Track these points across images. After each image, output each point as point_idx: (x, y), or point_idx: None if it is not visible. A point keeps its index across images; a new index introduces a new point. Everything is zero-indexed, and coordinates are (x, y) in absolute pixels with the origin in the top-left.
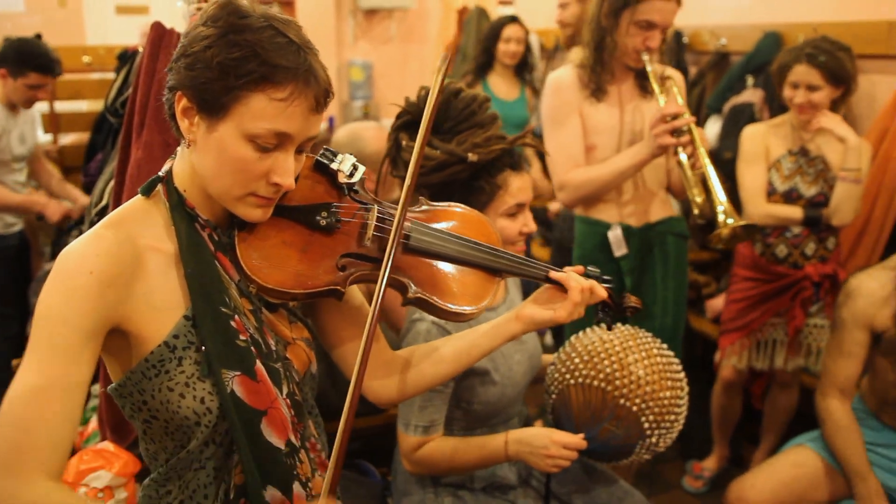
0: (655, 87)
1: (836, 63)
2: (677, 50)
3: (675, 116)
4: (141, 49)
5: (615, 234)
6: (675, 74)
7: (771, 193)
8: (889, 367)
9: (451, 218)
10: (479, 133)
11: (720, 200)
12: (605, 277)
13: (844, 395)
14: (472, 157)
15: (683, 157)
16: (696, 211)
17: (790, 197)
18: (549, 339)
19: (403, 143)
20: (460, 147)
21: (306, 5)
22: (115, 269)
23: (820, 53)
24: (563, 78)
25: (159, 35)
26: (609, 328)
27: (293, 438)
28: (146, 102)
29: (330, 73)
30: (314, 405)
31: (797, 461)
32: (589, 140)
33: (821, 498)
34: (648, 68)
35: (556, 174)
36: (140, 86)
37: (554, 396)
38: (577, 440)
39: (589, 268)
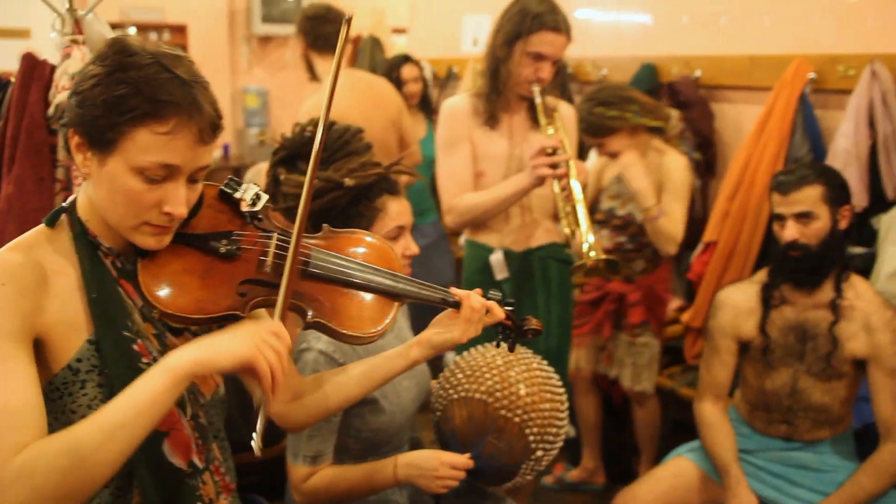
0: (542, 118)
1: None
2: (563, 79)
3: (555, 150)
4: (13, 79)
5: (497, 258)
6: (565, 109)
7: (595, 212)
8: (755, 375)
9: (353, 244)
10: (354, 160)
11: (587, 235)
12: (508, 301)
13: (718, 399)
14: (348, 181)
15: (558, 188)
16: (564, 241)
17: (610, 215)
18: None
19: (282, 177)
20: (337, 174)
21: (198, 31)
22: (25, 282)
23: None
24: (457, 105)
25: (31, 66)
26: (511, 350)
27: (196, 460)
28: (17, 136)
29: (224, 99)
30: (221, 429)
31: (676, 471)
32: (478, 167)
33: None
34: (537, 100)
35: (445, 198)
36: (10, 119)
37: (438, 413)
38: (464, 459)
39: (491, 292)
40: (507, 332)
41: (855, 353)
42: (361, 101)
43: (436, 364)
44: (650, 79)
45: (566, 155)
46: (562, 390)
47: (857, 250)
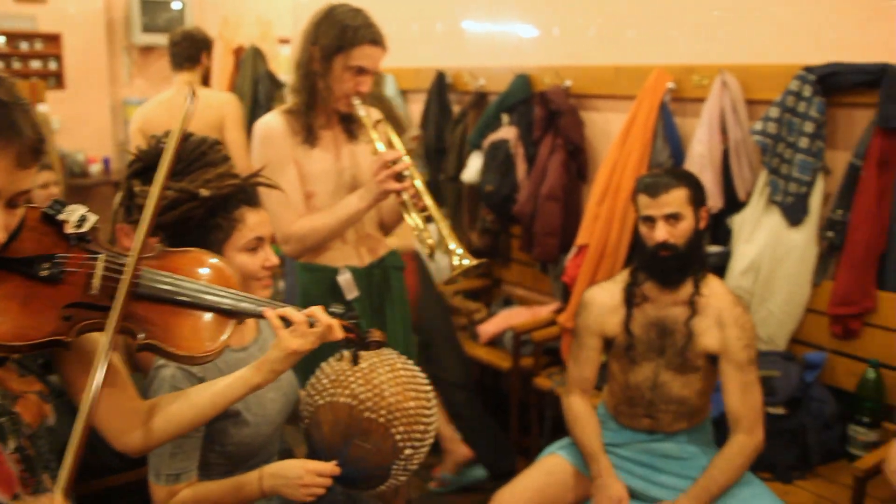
0: (372, 131)
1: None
2: (441, 89)
3: (395, 161)
4: None
5: (345, 278)
6: (377, 114)
7: None
8: (620, 370)
9: (187, 262)
10: (210, 171)
11: (453, 242)
12: (351, 314)
13: (584, 393)
14: (203, 192)
15: (407, 199)
16: (427, 252)
17: None
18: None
19: (136, 189)
20: (192, 185)
21: (75, 41)
22: None
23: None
24: (271, 125)
25: None
26: (355, 363)
27: (22, 493)
28: None
29: (104, 111)
30: (52, 459)
31: (549, 469)
32: (307, 188)
33: (570, 500)
34: (361, 112)
35: (281, 227)
36: None
37: (306, 420)
38: (331, 466)
39: (332, 307)
40: (352, 346)
41: (707, 348)
42: (175, 116)
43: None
44: (524, 88)
45: (407, 164)
46: (428, 388)
47: (714, 249)
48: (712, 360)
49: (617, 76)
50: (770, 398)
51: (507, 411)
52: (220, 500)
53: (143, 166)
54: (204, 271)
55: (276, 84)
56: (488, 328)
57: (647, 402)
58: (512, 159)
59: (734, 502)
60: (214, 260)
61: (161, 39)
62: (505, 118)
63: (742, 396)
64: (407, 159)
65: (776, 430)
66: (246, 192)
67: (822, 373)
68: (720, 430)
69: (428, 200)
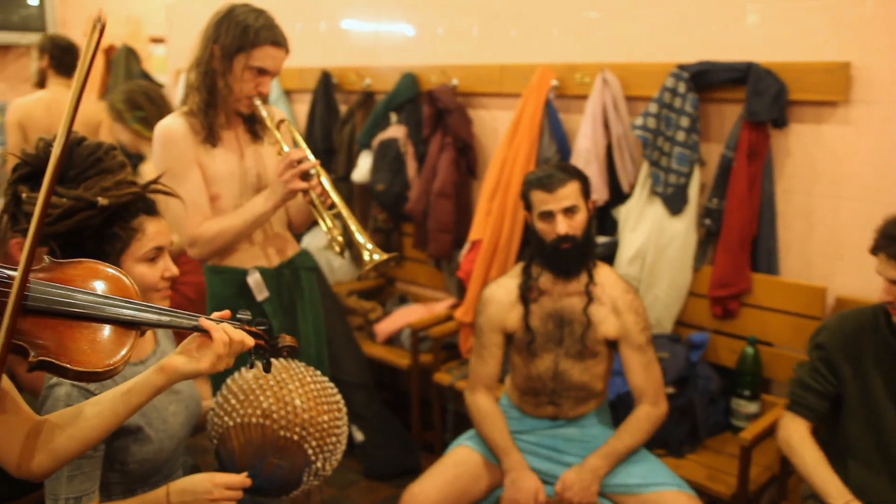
0: (275, 131)
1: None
2: (327, 89)
3: (301, 160)
4: None
5: (255, 279)
6: (280, 113)
7: None
8: (522, 362)
9: (80, 273)
10: (108, 178)
11: (361, 238)
12: (259, 320)
13: (488, 389)
14: (101, 200)
15: (315, 198)
16: (337, 249)
17: None
18: None
19: (24, 195)
20: (88, 192)
21: None
22: None
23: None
24: (172, 127)
25: None
26: (266, 370)
27: None
28: None
29: None
30: None
31: (458, 460)
32: (212, 190)
33: (481, 489)
34: (263, 113)
35: (185, 230)
36: None
37: (215, 442)
38: (241, 479)
39: (239, 313)
40: (262, 353)
41: (606, 334)
42: (54, 115)
43: None
44: (411, 87)
45: (313, 162)
46: (338, 398)
47: (602, 239)
48: (610, 345)
49: (502, 75)
50: None
51: (409, 408)
52: None
53: (32, 171)
54: (100, 282)
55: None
56: (385, 327)
57: (550, 391)
58: (402, 158)
59: (633, 478)
60: (111, 270)
61: (18, 38)
62: (393, 117)
63: (645, 374)
64: (312, 158)
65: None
66: (145, 201)
67: (705, 352)
68: (617, 413)
69: (336, 198)
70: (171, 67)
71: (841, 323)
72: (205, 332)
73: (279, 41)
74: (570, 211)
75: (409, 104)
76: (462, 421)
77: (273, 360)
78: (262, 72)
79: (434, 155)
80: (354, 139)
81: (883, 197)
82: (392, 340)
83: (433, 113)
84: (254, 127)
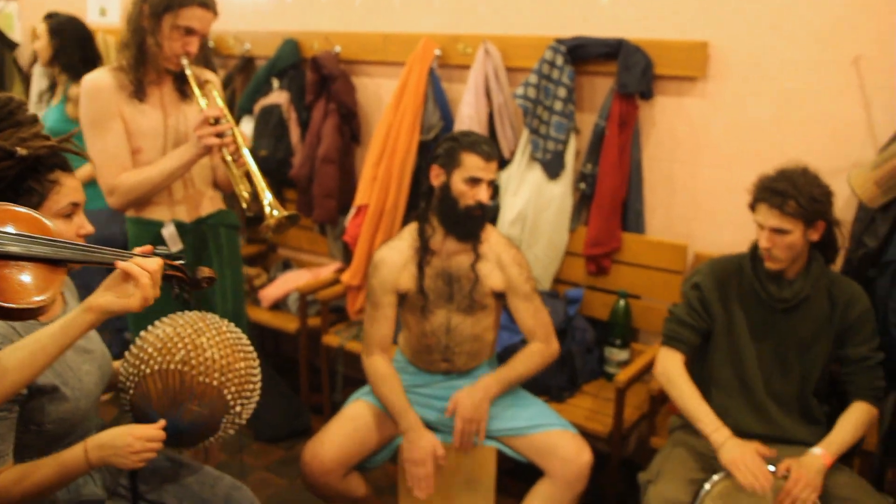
0: (196, 90)
1: None
2: (206, 53)
3: (217, 119)
4: None
5: (169, 231)
6: (213, 78)
7: None
8: (415, 321)
9: None
10: (25, 130)
11: (265, 195)
12: (175, 253)
13: (384, 351)
14: (21, 150)
15: (228, 156)
16: (244, 205)
17: None
18: None
19: None
20: (6, 142)
21: None
22: None
23: None
24: (100, 80)
25: None
26: (189, 305)
27: None
28: None
29: None
30: None
31: (355, 414)
32: (134, 143)
33: (378, 440)
34: (188, 72)
35: (104, 179)
36: None
37: (132, 392)
38: (158, 431)
39: (158, 247)
40: (184, 287)
41: (493, 287)
42: None
43: None
44: (294, 53)
45: (230, 123)
46: (251, 348)
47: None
48: (497, 297)
49: (386, 43)
50: None
51: (296, 372)
52: (43, 480)
53: None
54: (16, 222)
55: (5, 43)
56: (270, 292)
57: (444, 347)
58: (285, 124)
59: (521, 421)
60: (26, 210)
61: None
62: (276, 83)
63: (534, 319)
64: (229, 118)
65: None
66: (59, 156)
67: (581, 306)
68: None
69: (248, 157)
70: (25, 24)
71: (713, 267)
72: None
73: (206, 2)
74: (491, 183)
75: (291, 70)
76: (349, 382)
77: (194, 292)
78: (189, 32)
79: (318, 121)
80: (235, 104)
81: (735, 165)
82: (278, 306)
83: (317, 79)
84: (183, 87)
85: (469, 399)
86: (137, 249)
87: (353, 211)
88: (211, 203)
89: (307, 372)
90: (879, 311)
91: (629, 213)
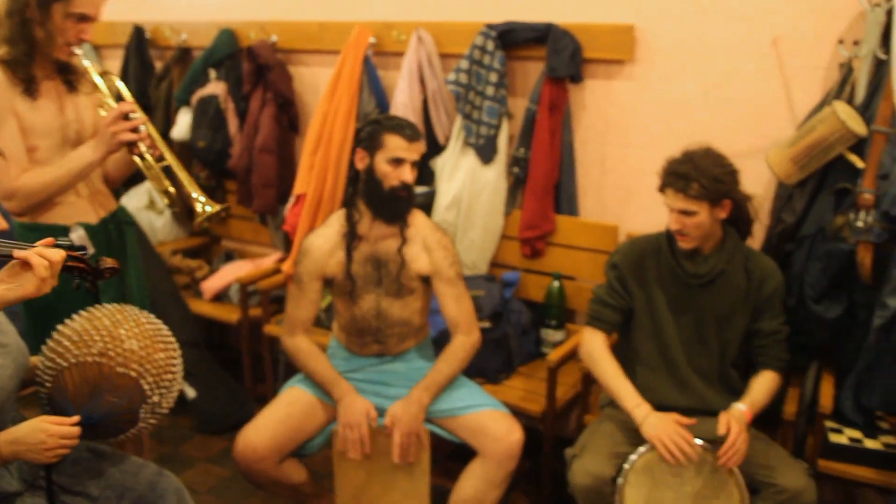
0: (99, 80)
1: None
2: (140, 45)
3: (130, 112)
4: None
5: (79, 236)
6: (92, 68)
7: None
8: (345, 306)
9: None
10: None
11: (194, 190)
12: (77, 245)
13: (306, 332)
14: None
15: (146, 151)
16: (166, 201)
17: None
18: None
19: None
20: None
21: None
22: None
23: None
24: None
25: None
26: (95, 296)
27: None
28: None
29: None
30: None
31: (289, 400)
32: (29, 142)
33: (314, 426)
34: (86, 63)
35: (4, 182)
36: None
37: (49, 385)
38: (74, 421)
39: (59, 238)
40: (86, 277)
41: (420, 271)
42: None
43: None
44: (230, 43)
45: (143, 117)
46: (172, 339)
47: (420, 189)
48: (425, 281)
49: (321, 31)
50: (477, 315)
51: (240, 363)
52: None
53: None
54: None
55: None
56: (212, 284)
57: (375, 330)
58: (223, 114)
59: (454, 402)
60: None
61: None
62: (212, 73)
63: (457, 305)
64: (139, 112)
65: (484, 340)
66: None
67: (517, 289)
68: (439, 348)
69: (165, 150)
70: None
71: (631, 247)
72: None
73: None
74: (415, 164)
75: (228, 60)
76: (292, 371)
77: (97, 282)
78: (83, 18)
79: (255, 111)
80: (172, 96)
81: (663, 145)
82: (220, 297)
83: (253, 69)
84: (69, 77)
85: (405, 414)
86: (39, 242)
87: (292, 200)
88: (109, 200)
89: (250, 362)
90: (796, 284)
91: (562, 196)
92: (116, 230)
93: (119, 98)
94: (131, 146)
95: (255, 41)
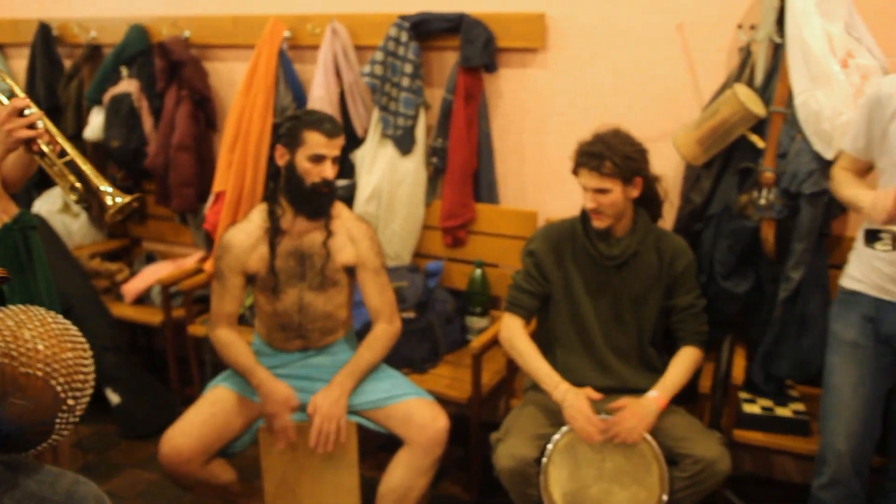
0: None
1: None
2: (47, 43)
3: (24, 108)
4: None
5: None
6: None
7: None
8: (267, 301)
9: None
10: None
11: (101, 183)
12: None
13: (230, 325)
14: None
15: (46, 148)
16: (74, 198)
17: None
18: None
19: None
20: None
21: None
22: None
23: None
24: None
25: None
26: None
27: None
28: None
29: None
30: None
31: (213, 400)
32: None
33: (239, 424)
34: None
35: None
36: None
37: None
38: None
39: None
40: None
41: (345, 262)
42: None
43: None
44: (141, 39)
45: (39, 112)
46: (83, 339)
47: (341, 182)
48: (349, 272)
49: (235, 26)
50: (401, 305)
51: (166, 365)
52: None
53: None
54: None
55: None
56: (133, 287)
57: (297, 325)
58: (137, 113)
59: (379, 394)
60: None
61: None
62: (124, 71)
63: (380, 296)
64: (34, 107)
65: (409, 330)
66: None
67: (441, 278)
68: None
69: (66, 144)
70: None
71: (547, 232)
72: None
73: None
74: (336, 160)
75: (140, 57)
76: (219, 372)
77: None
78: None
79: (170, 108)
80: (83, 95)
81: (579, 130)
82: (142, 300)
83: (166, 66)
84: None
85: (326, 398)
86: None
87: (211, 198)
88: (10, 206)
89: (176, 365)
90: (706, 262)
91: (482, 185)
92: (21, 236)
93: (11, 95)
94: (29, 143)
95: (168, 37)
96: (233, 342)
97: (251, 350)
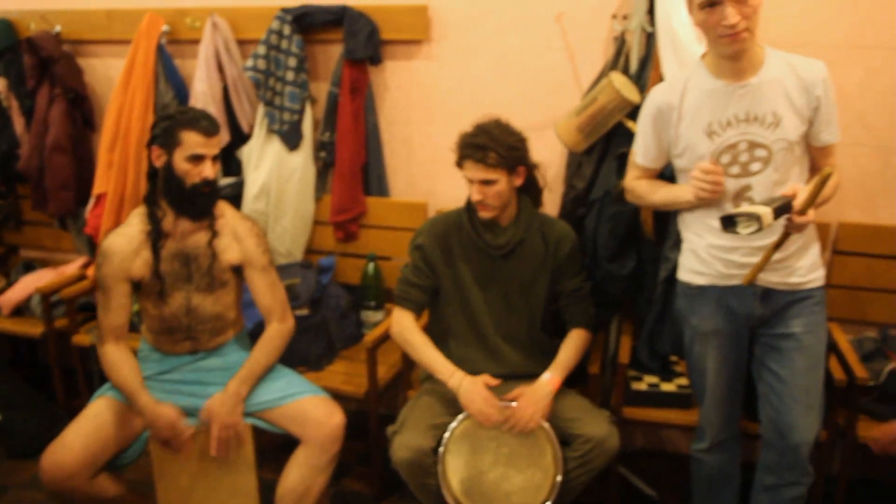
0: None
1: None
2: None
3: None
4: None
5: None
6: None
7: None
8: (153, 306)
9: None
10: None
11: None
12: None
13: (118, 339)
14: None
15: None
16: None
17: None
18: None
19: None
20: None
21: None
22: None
23: None
24: None
25: None
26: None
27: None
28: None
29: None
30: None
31: (97, 412)
32: None
33: (126, 434)
34: None
35: None
36: None
37: None
38: None
39: None
40: None
41: (231, 261)
42: None
43: None
44: (8, 35)
45: None
46: None
47: (228, 180)
48: (236, 271)
49: (110, 20)
50: (294, 302)
51: (51, 378)
52: None
53: None
54: None
55: None
56: (10, 297)
57: (185, 328)
58: (6, 113)
59: (273, 393)
60: None
61: None
62: None
63: (270, 294)
64: None
65: (303, 327)
66: None
67: (334, 273)
68: (256, 340)
69: None
70: None
71: (433, 225)
72: None
73: None
74: (216, 158)
75: (7, 54)
76: (107, 380)
77: None
78: None
79: (43, 108)
80: None
81: (465, 121)
82: (21, 311)
83: (36, 63)
84: None
85: (222, 407)
86: None
87: (92, 201)
88: None
89: (61, 377)
90: (590, 245)
91: (371, 178)
92: None
93: None
94: None
95: (37, 32)
96: (118, 362)
97: (138, 371)
